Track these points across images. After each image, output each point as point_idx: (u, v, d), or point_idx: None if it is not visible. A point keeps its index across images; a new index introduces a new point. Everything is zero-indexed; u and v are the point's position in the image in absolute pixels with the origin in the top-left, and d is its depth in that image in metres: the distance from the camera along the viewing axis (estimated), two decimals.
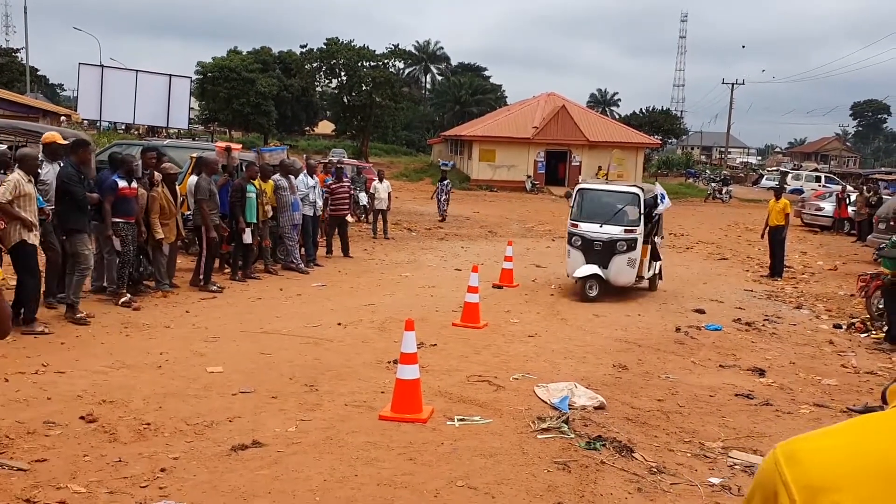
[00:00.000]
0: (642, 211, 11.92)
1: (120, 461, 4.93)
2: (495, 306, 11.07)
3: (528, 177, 43.00)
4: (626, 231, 11.89)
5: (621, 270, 11.96)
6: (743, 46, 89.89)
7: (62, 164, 9.08)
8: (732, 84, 61.61)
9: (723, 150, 74.90)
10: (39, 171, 8.60)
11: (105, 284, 10.11)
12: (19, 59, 49.68)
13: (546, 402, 6.64)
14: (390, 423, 5.94)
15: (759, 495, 1.03)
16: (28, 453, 5.00)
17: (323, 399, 6.47)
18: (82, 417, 5.65)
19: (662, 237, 13.56)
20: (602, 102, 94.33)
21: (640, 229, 11.92)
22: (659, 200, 12.55)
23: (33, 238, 8.07)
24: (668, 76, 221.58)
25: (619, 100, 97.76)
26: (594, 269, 11.89)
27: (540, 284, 13.37)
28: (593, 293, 11.93)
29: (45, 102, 33.46)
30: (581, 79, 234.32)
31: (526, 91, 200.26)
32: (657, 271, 13.22)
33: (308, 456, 5.18)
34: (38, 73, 69.07)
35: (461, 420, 6.09)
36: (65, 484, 4.56)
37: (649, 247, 12.45)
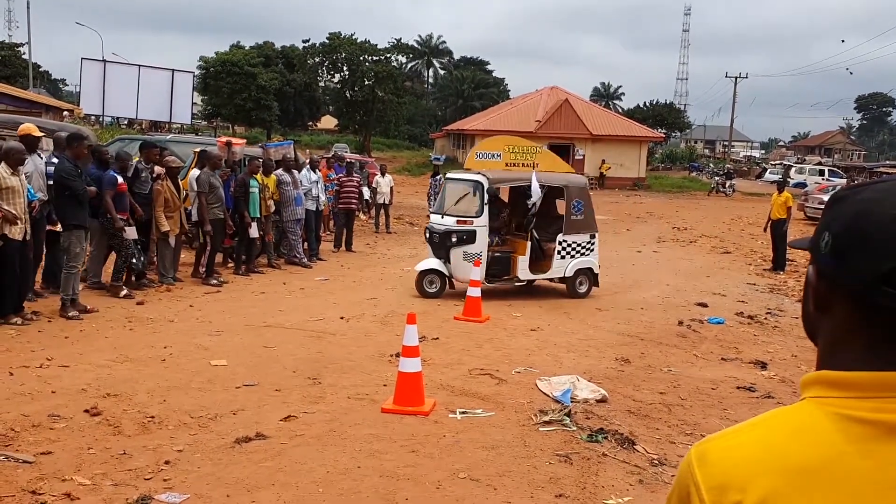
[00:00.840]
0: (485, 201, 10.81)
1: (124, 454, 4.96)
2: (497, 300, 11.08)
3: None
4: (459, 222, 10.97)
5: (458, 264, 10.93)
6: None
7: (59, 159, 9.09)
8: (735, 78, 61.42)
9: (726, 143, 74.79)
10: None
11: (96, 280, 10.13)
12: (22, 54, 49.69)
13: (548, 396, 6.66)
14: (393, 415, 5.96)
15: (675, 495, 1.05)
16: (33, 446, 5.03)
17: (326, 392, 6.50)
18: (87, 411, 5.68)
19: (594, 234, 11.76)
20: (605, 96, 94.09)
21: (481, 220, 10.85)
22: (534, 190, 11.08)
23: (16, 232, 8.05)
24: (672, 70, 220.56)
25: (623, 93, 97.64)
26: (434, 262, 11.10)
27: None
28: (433, 289, 11.08)
29: (47, 98, 33.48)
30: (584, 72, 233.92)
31: (529, 85, 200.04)
32: (587, 273, 11.67)
33: (311, 448, 5.21)
34: (41, 68, 69.20)
35: (463, 413, 6.11)
36: (70, 476, 4.59)
37: (529, 242, 11.29)
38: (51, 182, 9.03)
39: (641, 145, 45.77)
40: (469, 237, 10.91)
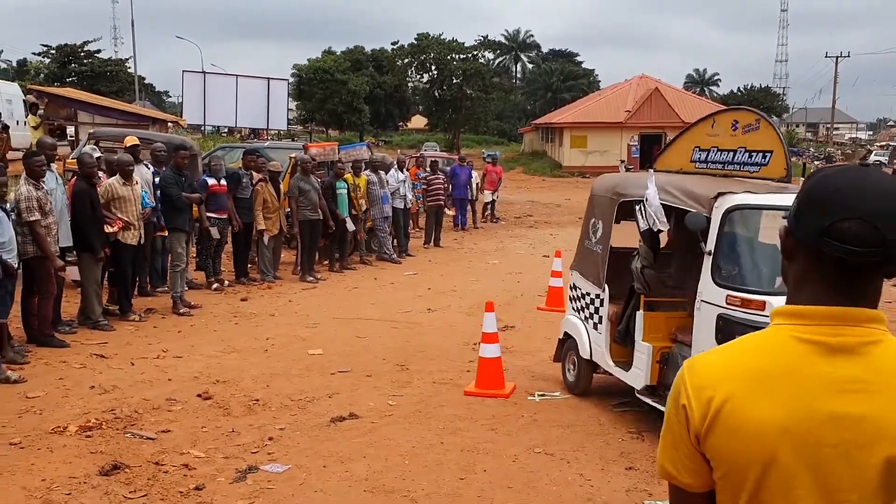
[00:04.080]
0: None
1: (233, 431, 5.55)
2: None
3: (622, 161, 42.48)
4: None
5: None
6: None
7: (164, 168, 9.93)
8: (836, 57, 58.89)
9: (829, 126, 71.68)
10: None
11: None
12: (128, 68, 52.63)
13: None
14: (475, 398, 6.35)
15: (672, 396, 1.40)
16: (154, 425, 5.68)
17: (413, 377, 6.95)
18: (199, 395, 6.32)
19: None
20: (700, 82, 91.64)
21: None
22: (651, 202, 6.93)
23: (129, 237, 8.87)
24: (769, 51, 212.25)
25: (719, 79, 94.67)
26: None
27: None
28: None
29: (153, 110, 35.53)
30: (677, 58, 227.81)
31: (619, 74, 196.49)
32: None
33: (399, 426, 5.67)
34: (145, 81, 72.96)
35: (542, 395, 6.45)
36: (187, 450, 5.20)
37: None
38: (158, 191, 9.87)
39: None
40: None
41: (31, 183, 7.59)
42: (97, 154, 9.34)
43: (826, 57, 63.28)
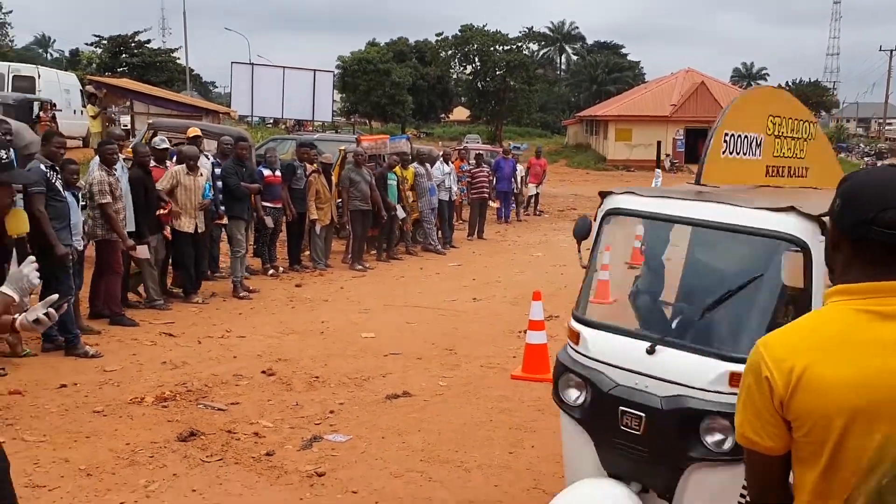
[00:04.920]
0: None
1: (297, 405, 5.98)
2: (626, 284, 11.52)
3: (667, 156, 42.32)
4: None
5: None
6: None
7: (227, 159, 10.43)
8: (891, 51, 57.65)
9: (881, 121, 70.16)
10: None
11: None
12: (177, 59, 53.65)
13: None
14: (521, 381, 6.70)
15: (750, 374, 1.68)
16: (224, 398, 6.14)
17: (461, 361, 7.33)
18: (263, 372, 6.78)
19: None
20: (747, 77, 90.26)
21: None
22: None
23: (185, 225, 9.36)
24: (820, 45, 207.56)
25: (768, 74, 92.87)
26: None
27: (673, 263, 13.63)
28: None
29: (206, 101, 36.40)
30: (723, 52, 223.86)
31: (665, 66, 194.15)
32: None
33: (450, 405, 6.05)
34: (193, 72, 74.23)
35: None
36: (256, 420, 5.64)
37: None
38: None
39: None
40: None
41: (104, 169, 8.15)
42: (165, 145, 9.82)
43: (880, 50, 62.03)
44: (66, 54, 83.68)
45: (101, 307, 8.35)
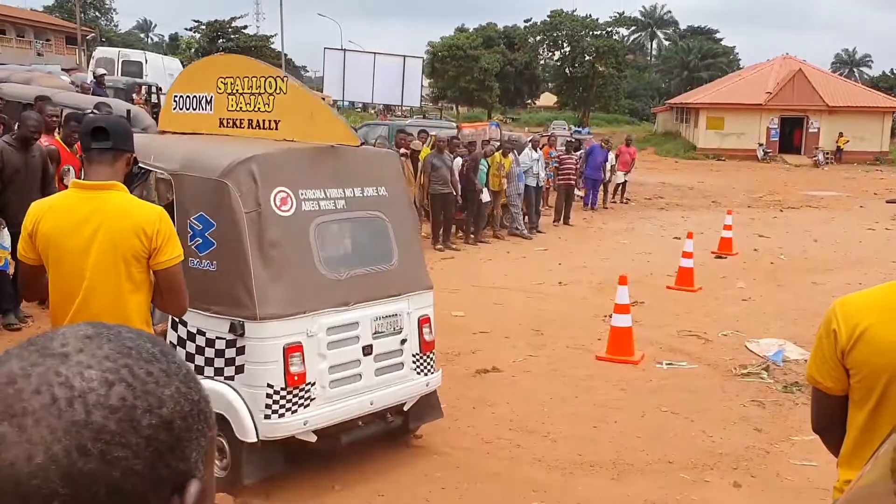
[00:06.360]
0: None
1: None
2: (711, 272, 11.55)
3: (760, 145, 41.15)
4: None
5: None
6: None
7: None
8: None
9: None
10: None
11: None
12: (272, 44, 55.28)
13: (758, 355, 7.26)
14: (606, 362, 6.94)
15: (823, 326, 1.99)
16: None
17: (547, 341, 7.61)
18: None
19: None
20: (849, 63, 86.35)
21: None
22: None
23: None
24: None
25: (871, 61, 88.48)
26: None
27: (761, 254, 13.51)
28: None
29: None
30: (825, 37, 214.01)
31: (762, 52, 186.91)
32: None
33: (537, 381, 6.36)
34: (287, 57, 76.27)
35: (669, 364, 6.95)
36: None
37: None
38: None
39: (885, 117, 42.13)
40: None
41: None
42: None
43: None
44: (167, 39, 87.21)
45: None
